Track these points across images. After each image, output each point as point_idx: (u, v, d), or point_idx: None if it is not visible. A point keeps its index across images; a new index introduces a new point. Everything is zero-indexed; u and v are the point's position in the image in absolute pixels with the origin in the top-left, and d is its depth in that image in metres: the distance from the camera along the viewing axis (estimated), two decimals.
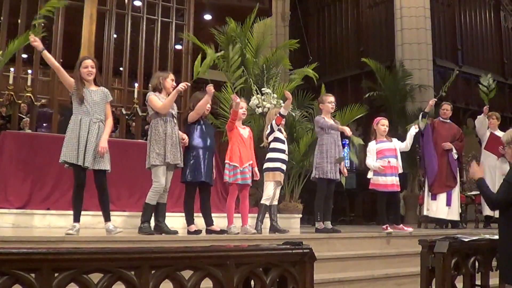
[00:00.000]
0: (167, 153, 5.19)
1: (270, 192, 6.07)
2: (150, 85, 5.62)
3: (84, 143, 4.83)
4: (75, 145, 4.83)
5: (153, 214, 5.32)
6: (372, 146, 6.70)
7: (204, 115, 5.76)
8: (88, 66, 5.03)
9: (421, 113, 8.13)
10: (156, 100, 5.30)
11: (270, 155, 6.17)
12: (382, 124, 6.74)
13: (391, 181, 6.52)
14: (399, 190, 6.70)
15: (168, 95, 5.42)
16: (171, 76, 5.51)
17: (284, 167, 6.18)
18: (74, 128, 4.89)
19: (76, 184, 4.93)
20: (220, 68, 8.73)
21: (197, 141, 5.58)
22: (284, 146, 6.23)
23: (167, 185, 5.35)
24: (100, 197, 5.07)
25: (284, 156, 6.20)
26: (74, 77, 5.06)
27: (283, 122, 6.23)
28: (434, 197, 8.03)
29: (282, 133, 6.24)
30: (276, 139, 6.18)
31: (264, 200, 6.07)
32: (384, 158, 6.55)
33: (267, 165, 6.12)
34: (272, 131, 6.19)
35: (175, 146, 5.27)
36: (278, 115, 6.10)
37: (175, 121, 5.39)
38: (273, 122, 6.16)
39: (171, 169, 5.37)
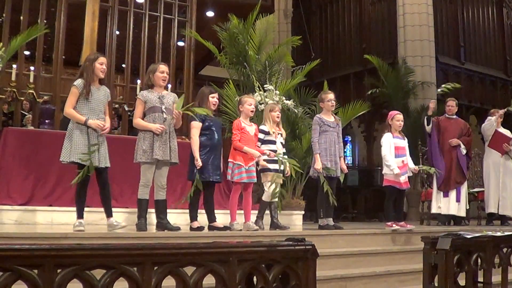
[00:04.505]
0: (155, 149, 5.16)
1: (269, 190, 6.07)
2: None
3: (94, 143, 4.86)
4: (85, 145, 4.84)
5: (155, 211, 5.34)
6: (389, 138, 6.59)
7: (211, 110, 5.71)
8: (103, 63, 5.06)
9: (425, 118, 8.13)
10: (139, 108, 5.33)
11: None
12: (397, 119, 6.66)
13: (405, 179, 6.50)
14: (409, 187, 6.70)
15: (165, 88, 5.52)
16: (161, 68, 5.42)
17: (275, 166, 6.04)
18: (82, 128, 4.89)
19: (82, 181, 4.92)
20: (222, 65, 8.73)
21: (205, 139, 5.56)
22: (274, 146, 6.18)
23: (162, 182, 5.32)
24: (102, 193, 5.07)
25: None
26: (85, 71, 5.03)
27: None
28: (446, 194, 8.02)
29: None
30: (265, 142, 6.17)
31: (265, 198, 6.08)
32: (398, 156, 6.52)
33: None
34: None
35: (165, 142, 5.24)
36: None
37: (165, 116, 5.28)
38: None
39: (165, 165, 5.34)
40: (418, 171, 6.80)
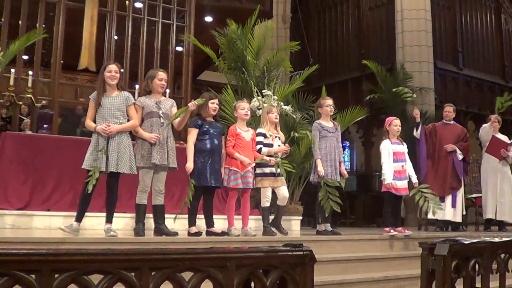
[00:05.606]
0: (153, 154, 5.17)
1: (267, 195, 6.01)
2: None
3: (104, 150, 4.88)
4: (94, 152, 4.91)
5: (152, 216, 5.34)
6: (387, 145, 6.57)
7: (210, 115, 5.70)
8: (112, 70, 5.09)
9: (415, 126, 8.16)
10: (136, 114, 5.33)
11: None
12: (395, 124, 6.65)
13: (403, 185, 6.49)
14: (407, 193, 6.66)
15: (163, 95, 5.56)
16: (160, 75, 5.42)
17: (272, 170, 5.97)
18: (94, 136, 4.98)
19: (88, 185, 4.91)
20: (220, 70, 8.73)
21: (201, 144, 5.56)
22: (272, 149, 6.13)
23: (160, 187, 5.33)
24: (108, 198, 5.08)
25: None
26: (98, 81, 5.16)
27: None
28: (442, 200, 8.00)
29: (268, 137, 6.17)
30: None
31: (264, 203, 6.02)
32: (397, 162, 6.51)
33: (256, 170, 6.04)
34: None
35: (163, 147, 5.25)
36: (260, 149, 6.02)
37: (162, 120, 5.30)
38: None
39: (163, 170, 5.34)
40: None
